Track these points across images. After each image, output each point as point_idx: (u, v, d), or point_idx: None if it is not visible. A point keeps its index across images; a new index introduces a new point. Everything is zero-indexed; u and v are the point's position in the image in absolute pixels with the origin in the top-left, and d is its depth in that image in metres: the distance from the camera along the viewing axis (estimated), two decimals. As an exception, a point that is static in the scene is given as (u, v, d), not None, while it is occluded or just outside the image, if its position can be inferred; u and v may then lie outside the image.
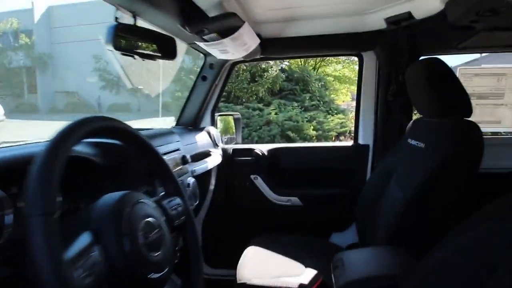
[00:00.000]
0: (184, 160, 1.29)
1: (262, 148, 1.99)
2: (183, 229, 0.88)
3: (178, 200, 0.87)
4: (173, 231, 0.82)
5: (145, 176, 0.92)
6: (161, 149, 1.16)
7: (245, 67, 10.62)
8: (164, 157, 1.16)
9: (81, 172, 0.89)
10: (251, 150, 1.99)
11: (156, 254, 0.67)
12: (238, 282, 1.42)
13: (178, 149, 1.29)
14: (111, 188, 0.91)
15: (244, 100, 10.43)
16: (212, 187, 2.04)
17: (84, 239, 0.58)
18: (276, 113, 10.03)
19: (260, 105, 10.19)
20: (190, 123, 1.95)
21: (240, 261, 1.55)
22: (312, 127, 9.81)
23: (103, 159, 0.93)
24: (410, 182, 1.30)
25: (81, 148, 0.90)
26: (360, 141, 1.95)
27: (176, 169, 1.24)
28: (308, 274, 1.45)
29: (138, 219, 0.66)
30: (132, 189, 0.92)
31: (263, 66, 10.74)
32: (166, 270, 0.69)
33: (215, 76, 1.89)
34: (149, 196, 0.86)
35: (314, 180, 2.01)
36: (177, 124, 1.97)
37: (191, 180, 1.30)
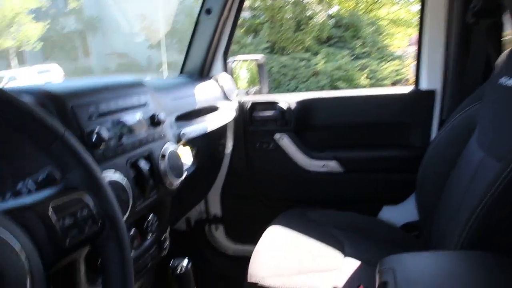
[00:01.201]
0: (154, 121, 0.89)
1: (289, 99, 1.54)
2: (100, 248, 0.50)
3: (85, 201, 0.48)
4: (57, 260, 0.44)
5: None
6: (109, 105, 0.77)
7: (289, 16, 9.91)
8: (114, 116, 0.78)
9: None
10: (274, 102, 1.55)
11: None
12: (249, 280, 1.06)
13: (144, 105, 0.89)
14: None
15: (289, 50, 9.83)
16: (228, 150, 1.65)
17: None
18: (324, 63, 9.36)
19: (307, 55, 9.57)
20: (196, 71, 1.54)
21: (256, 247, 1.19)
22: (364, 76, 9.05)
23: None
24: (508, 144, 0.81)
25: None
26: (423, 85, 1.42)
27: (141, 134, 0.84)
28: (346, 269, 1.05)
29: None
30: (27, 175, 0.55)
31: (308, 13, 9.95)
32: None
33: (223, 6, 1.43)
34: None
35: (358, 138, 1.54)
36: (181, 73, 1.57)
37: (168, 148, 0.91)
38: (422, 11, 1.38)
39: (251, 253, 1.16)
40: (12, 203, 0.43)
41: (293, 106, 1.52)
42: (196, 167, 1.34)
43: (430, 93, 1.39)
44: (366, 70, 9.23)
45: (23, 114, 0.45)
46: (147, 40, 17.04)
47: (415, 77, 1.47)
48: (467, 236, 0.78)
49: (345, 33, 10.07)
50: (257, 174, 1.67)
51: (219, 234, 1.80)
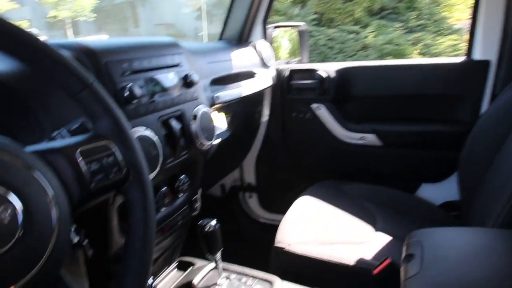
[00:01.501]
0: (187, 81, 0.90)
1: (328, 68, 1.49)
2: (124, 195, 0.53)
3: (112, 149, 0.51)
4: (84, 201, 0.47)
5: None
6: (143, 63, 0.78)
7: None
8: (147, 74, 0.79)
9: None
10: (313, 70, 1.50)
11: None
12: (276, 244, 1.08)
13: (177, 65, 0.90)
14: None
15: (338, 22, 9.44)
16: (265, 119, 1.64)
17: None
18: (374, 36, 8.91)
19: (356, 27, 9.14)
20: (234, 38, 1.52)
21: (286, 214, 1.20)
22: (417, 51, 8.51)
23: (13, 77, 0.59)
24: None
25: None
26: (476, 55, 1.31)
27: (173, 94, 0.86)
28: (376, 243, 1.02)
29: None
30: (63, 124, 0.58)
31: (361, -18, 9.44)
32: (18, 286, 0.35)
33: None
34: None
35: (400, 111, 1.47)
36: (219, 39, 1.56)
37: (200, 110, 0.92)
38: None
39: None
40: (43, 145, 0.46)
41: (332, 75, 1.47)
42: (231, 134, 1.35)
43: (484, 64, 1.28)
44: (420, 44, 8.67)
45: (54, 62, 0.47)
46: (194, 11, 17.12)
47: (467, 46, 1.35)
48: (508, 214, 0.73)
49: (399, 4, 9.46)
50: (293, 144, 1.66)
51: (253, 202, 1.83)
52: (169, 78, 0.85)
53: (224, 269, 1.07)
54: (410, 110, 1.44)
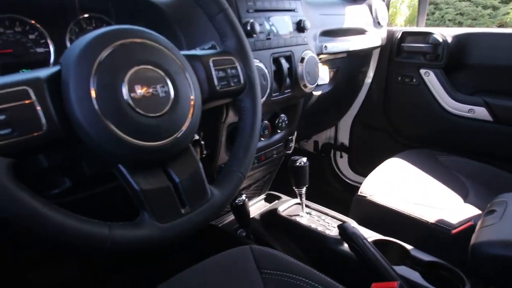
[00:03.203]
0: (300, 26, 0.98)
1: (445, 32, 1.41)
2: (238, 102, 0.65)
3: (235, 63, 0.63)
4: (210, 99, 0.60)
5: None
6: (264, 4, 0.88)
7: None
8: (266, 13, 0.90)
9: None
10: (428, 34, 1.44)
11: (150, 115, 0.48)
12: (359, 193, 1.14)
13: (293, 10, 0.98)
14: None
15: (473, -6, 8.34)
16: (369, 80, 1.65)
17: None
18: (517, 14, 7.67)
19: (496, 2, 7.94)
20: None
21: (373, 172, 1.24)
22: None
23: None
24: None
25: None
26: None
27: (286, 35, 0.95)
28: (462, 212, 1.01)
29: (125, 64, 0.47)
30: (197, 44, 0.73)
31: None
32: (167, 141, 0.50)
33: None
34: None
35: None
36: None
37: (308, 54, 1.00)
38: None
39: None
40: (189, 51, 0.60)
41: (449, 40, 1.40)
42: (332, 89, 1.40)
43: None
44: None
45: None
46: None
47: None
48: None
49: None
50: (393, 109, 1.64)
51: (342, 162, 1.88)
52: (284, 21, 0.95)
53: (307, 206, 1.18)
54: None
